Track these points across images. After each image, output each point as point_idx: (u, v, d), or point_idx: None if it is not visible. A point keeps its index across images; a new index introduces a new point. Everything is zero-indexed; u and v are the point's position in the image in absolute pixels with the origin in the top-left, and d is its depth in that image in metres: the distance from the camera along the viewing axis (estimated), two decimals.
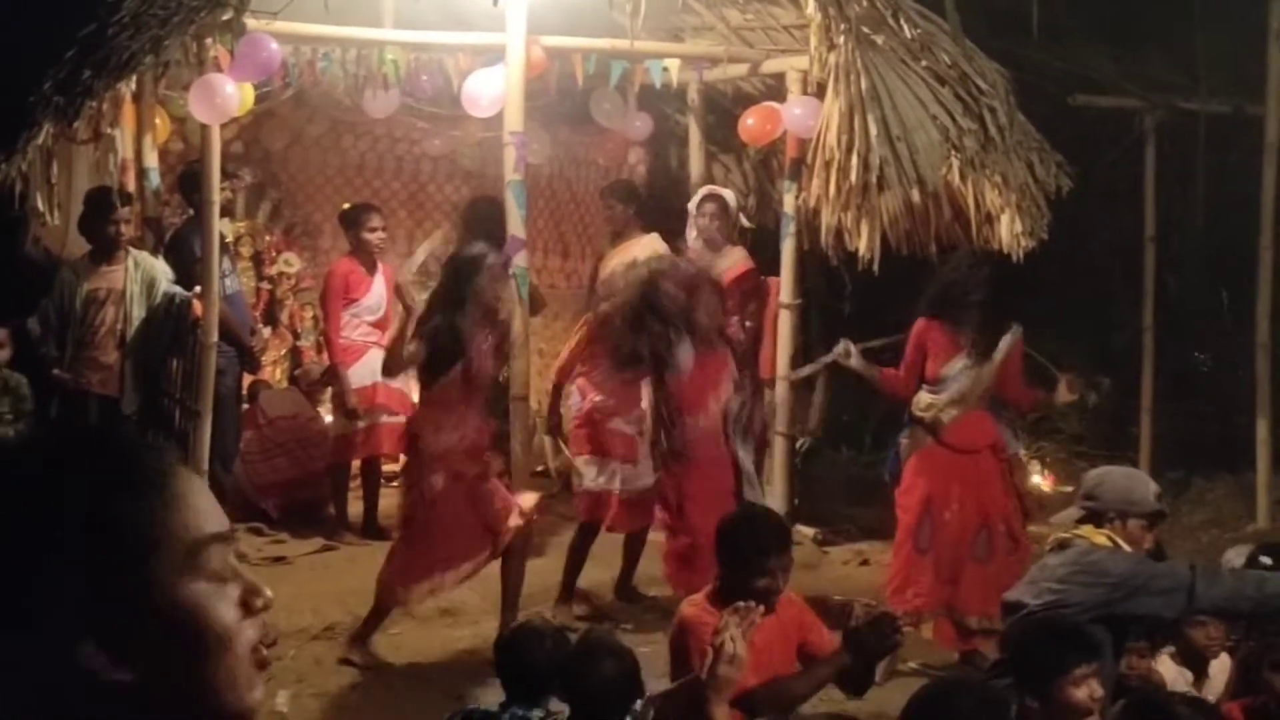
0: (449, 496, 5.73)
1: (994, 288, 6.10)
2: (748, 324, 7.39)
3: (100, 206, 6.63)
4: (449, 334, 5.72)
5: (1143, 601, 4.06)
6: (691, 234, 7.31)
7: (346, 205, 8.05)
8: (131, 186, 7.22)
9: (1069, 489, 8.63)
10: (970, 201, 7.27)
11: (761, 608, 3.58)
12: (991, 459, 6.12)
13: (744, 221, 7.58)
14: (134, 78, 6.54)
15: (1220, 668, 4.71)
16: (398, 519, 6.09)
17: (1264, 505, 8.23)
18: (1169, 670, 4.73)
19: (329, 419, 7.77)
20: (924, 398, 6.09)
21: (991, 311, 6.06)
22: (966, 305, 6.03)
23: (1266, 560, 4.96)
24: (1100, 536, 4.24)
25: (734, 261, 7.34)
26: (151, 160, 7.31)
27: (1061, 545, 4.36)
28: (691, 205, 7.42)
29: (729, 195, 7.48)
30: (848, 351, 6.17)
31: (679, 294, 5.85)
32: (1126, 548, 4.20)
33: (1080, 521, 4.36)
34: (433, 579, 5.82)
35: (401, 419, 7.33)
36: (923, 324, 6.15)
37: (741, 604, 3.59)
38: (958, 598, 5.99)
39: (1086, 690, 3.61)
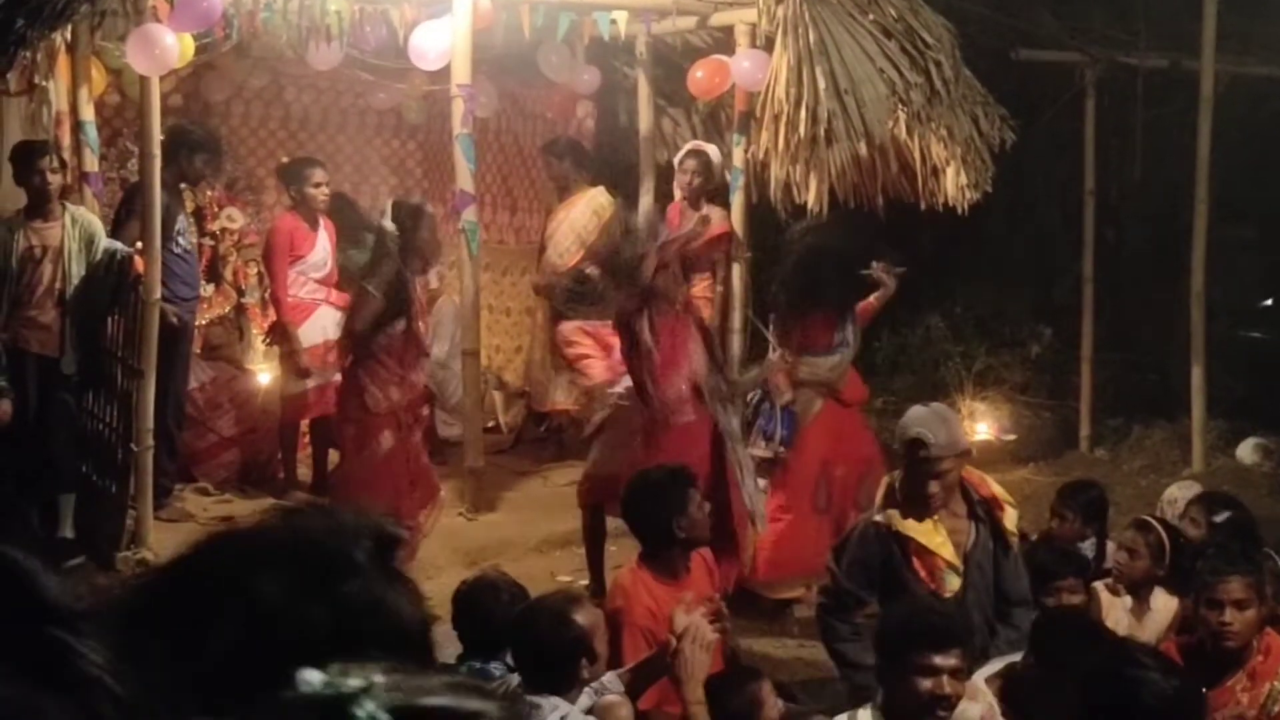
0: (393, 453, 5.78)
1: (857, 250, 6.23)
2: (719, 288, 7.43)
3: (23, 157, 6.50)
4: (397, 287, 5.71)
5: None
6: (678, 191, 7.35)
7: (285, 159, 7.93)
8: (67, 140, 7.05)
9: (1012, 438, 8.79)
10: (916, 155, 7.33)
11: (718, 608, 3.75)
12: (860, 412, 6.32)
13: (729, 179, 7.56)
14: (68, 27, 6.37)
15: (1164, 603, 4.79)
16: (342, 475, 6.10)
17: (1199, 450, 8.42)
18: (1107, 600, 4.80)
19: (264, 377, 7.68)
20: (822, 360, 6.11)
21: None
22: (844, 279, 6.11)
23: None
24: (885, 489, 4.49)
25: (713, 221, 7.33)
26: (88, 113, 7.13)
27: None
28: (676, 160, 7.42)
29: (713, 151, 7.44)
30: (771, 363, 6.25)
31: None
32: None
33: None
34: None
35: None
36: (805, 314, 6.14)
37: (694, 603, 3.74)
38: None
39: (933, 683, 3.36)
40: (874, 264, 6.33)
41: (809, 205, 7.10)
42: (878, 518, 4.36)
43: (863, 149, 7.06)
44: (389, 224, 5.74)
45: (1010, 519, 4.41)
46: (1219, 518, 5.07)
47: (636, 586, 4.43)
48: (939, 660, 3.36)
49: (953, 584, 4.23)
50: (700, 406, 5.70)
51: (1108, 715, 3.12)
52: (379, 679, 0.95)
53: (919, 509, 4.33)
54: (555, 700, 3.73)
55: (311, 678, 0.95)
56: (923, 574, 4.22)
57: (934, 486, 4.29)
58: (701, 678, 3.65)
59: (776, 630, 5.99)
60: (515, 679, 3.90)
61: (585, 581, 6.24)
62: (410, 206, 5.98)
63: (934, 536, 4.28)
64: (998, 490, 4.50)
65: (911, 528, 4.30)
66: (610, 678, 3.97)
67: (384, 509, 5.63)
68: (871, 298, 6.43)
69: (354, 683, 0.94)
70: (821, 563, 5.89)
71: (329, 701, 0.94)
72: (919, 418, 4.41)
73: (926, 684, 3.34)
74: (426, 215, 5.90)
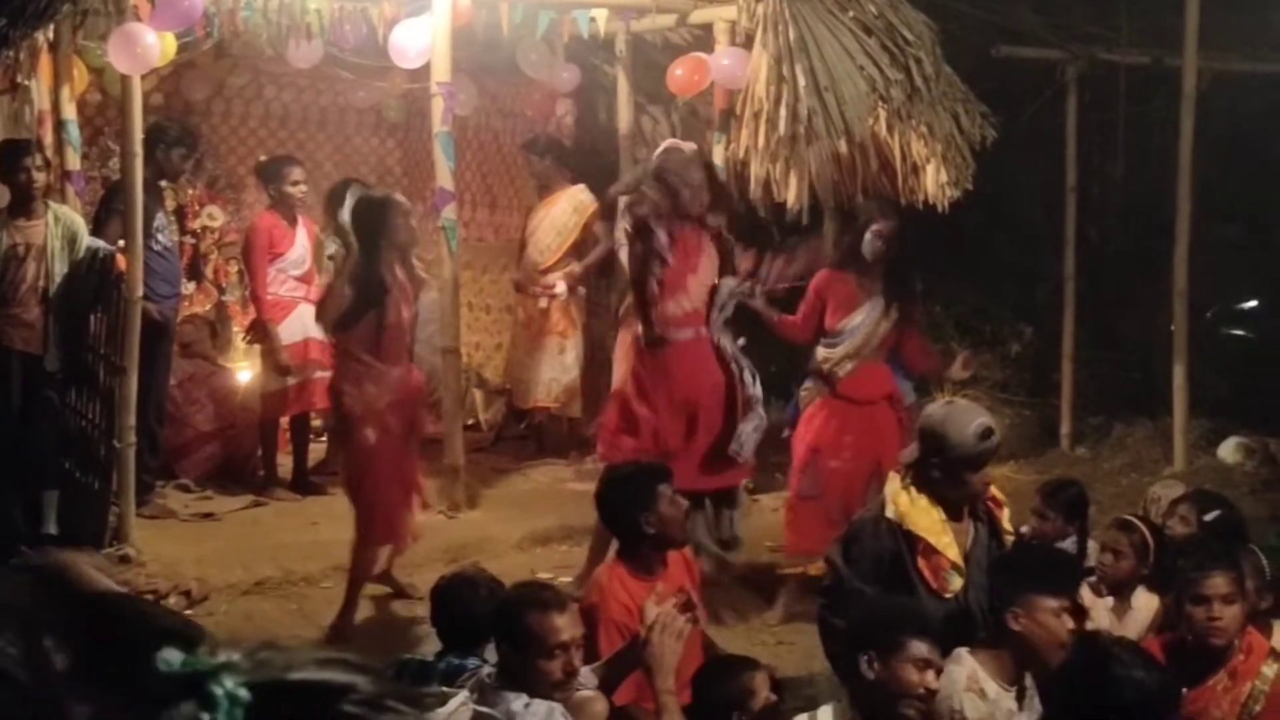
0: (382, 450, 5.65)
1: (901, 242, 6.18)
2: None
3: (9, 155, 6.51)
4: (366, 280, 5.60)
5: None
6: None
7: (263, 158, 7.94)
8: (49, 139, 7.06)
9: None
10: (896, 152, 7.34)
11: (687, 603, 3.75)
12: (888, 409, 6.18)
13: None
14: (51, 27, 6.38)
15: (1145, 601, 4.80)
16: (344, 485, 5.96)
17: (1181, 449, 8.40)
18: (1089, 601, 4.80)
19: (244, 375, 7.70)
20: (820, 351, 6.16)
21: (900, 264, 6.17)
22: (870, 258, 6.10)
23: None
24: (896, 486, 4.23)
25: None
26: (70, 112, 7.14)
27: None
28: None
29: (689, 149, 7.45)
30: (751, 290, 6.21)
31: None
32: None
33: (909, 465, 4.26)
34: (394, 537, 5.83)
35: None
36: (826, 275, 6.19)
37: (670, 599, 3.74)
38: None
39: (916, 672, 3.41)
40: (961, 350, 6.41)
41: (789, 203, 7.12)
42: (889, 514, 4.27)
43: (843, 146, 7.08)
44: (345, 217, 5.72)
45: (1007, 518, 4.42)
46: (1209, 516, 5.06)
47: (612, 583, 4.43)
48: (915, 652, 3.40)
49: (955, 584, 4.21)
50: (701, 328, 5.89)
51: (1090, 709, 3.14)
52: (238, 657, 0.95)
53: (957, 504, 4.23)
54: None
55: (171, 657, 0.95)
56: (927, 574, 4.22)
57: (985, 476, 4.25)
58: (673, 667, 3.65)
59: (754, 625, 6.01)
60: (486, 670, 3.91)
61: (566, 579, 6.26)
62: (376, 200, 5.91)
63: (942, 537, 4.23)
64: (994, 489, 4.48)
65: (922, 527, 4.22)
66: (585, 672, 3.98)
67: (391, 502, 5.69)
68: (938, 365, 6.56)
69: (212, 660, 0.95)
70: (806, 547, 6.00)
71: (187, 679, 0.94)
72: (973, 409, 4.35)
73: (913, 675, 3.37)
74: (395, 205, 5.77)
